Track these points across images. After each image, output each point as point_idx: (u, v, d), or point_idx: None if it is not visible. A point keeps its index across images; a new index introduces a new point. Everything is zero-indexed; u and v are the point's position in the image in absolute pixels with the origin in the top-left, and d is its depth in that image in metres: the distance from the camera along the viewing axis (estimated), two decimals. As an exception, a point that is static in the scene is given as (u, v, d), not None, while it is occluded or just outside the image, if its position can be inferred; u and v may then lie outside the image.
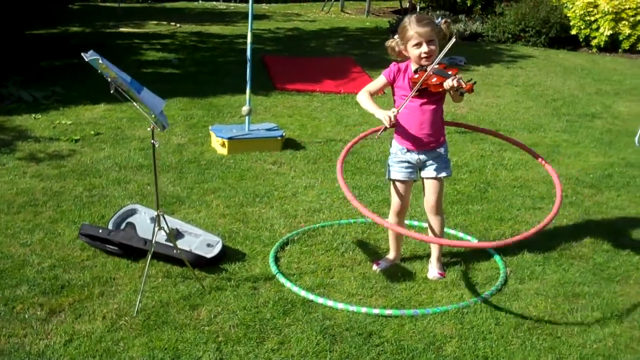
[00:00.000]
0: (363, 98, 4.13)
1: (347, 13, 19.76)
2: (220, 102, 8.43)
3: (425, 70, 3.89)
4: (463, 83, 3.77)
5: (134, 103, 3.61)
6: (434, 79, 3.85)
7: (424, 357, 3.49)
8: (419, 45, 3.94)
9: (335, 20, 17.90)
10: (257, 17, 17.12)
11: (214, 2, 21.10)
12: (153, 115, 3.58)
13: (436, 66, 3.88)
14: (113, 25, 14.84)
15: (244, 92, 6.72)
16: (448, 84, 3.78)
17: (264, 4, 21.09)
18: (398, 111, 3.92)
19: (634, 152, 7.19)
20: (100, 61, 3.31)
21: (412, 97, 3.97)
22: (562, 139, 7.55)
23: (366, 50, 12.76)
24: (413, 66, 4.02)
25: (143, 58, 11.22)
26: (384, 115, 3.87)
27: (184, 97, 8.51)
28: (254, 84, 8.38)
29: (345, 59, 11.90)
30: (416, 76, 3.93)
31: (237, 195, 5.48)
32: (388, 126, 3.88)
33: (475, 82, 3.83)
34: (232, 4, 20.62)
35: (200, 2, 21.12)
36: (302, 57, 12.00)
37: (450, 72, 3.83)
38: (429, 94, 3.98)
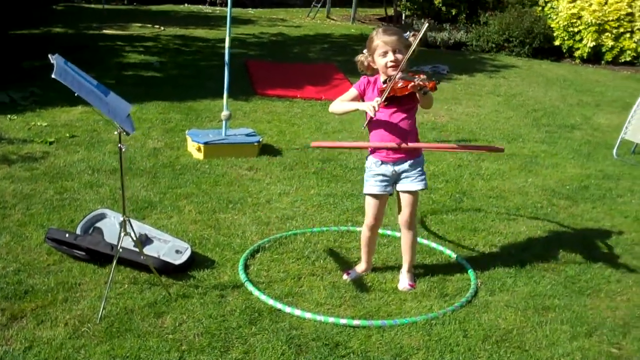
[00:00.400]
0: (337, 104, 4.14)
1: (333, 19, 19.75)
2: (200, 107, 8.37)
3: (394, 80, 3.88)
4: (426, 82, 3.76)
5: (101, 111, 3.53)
6: (400, 84, 3.84)
7: (390, 369, 3.46)
8: (385, 54, 3.93)
9: (320, 27, 17.88)
10: (242, 21, 17.13)
11: (200, 6, 21.04)
12: (117, 122, 3.49)
13: (404, 74, 3.87)
14: (96, 26, 14.75)
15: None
16: (412, 84, 3.76)
17: (250, 9, 21.05)
18: (382, 100, 3.87)
19: (611, 164, 7.20)
20: (65, 65, 3.25)
21: (383, 107, 3.95)
22: (541, 150, 7.55)
23: (350, 57, 12.59)
24: (382, 78, 4.01)
25: (125, 60, 11.15)
26: (368, 106, 3.85)
27: (164, 101, 8.45)
28: (235, 89, 8.37)
29: (327, 65, 11.88)
30: (384, 86, 3.92)
31: (210, 201, 5.43)
32: (373, 116, 3.86)
33: (438, 82, 3.83)
34: (217, 8, 20.57)
35: (186, 5, 21.05)
36: (284, 63, 11.97)
37: (415, 76, 3.82)
38: (399, 102, 3.95)
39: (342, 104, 4.11)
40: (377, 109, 3.84)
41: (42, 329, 3.59)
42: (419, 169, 4.14)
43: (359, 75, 4.16)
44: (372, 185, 4.18)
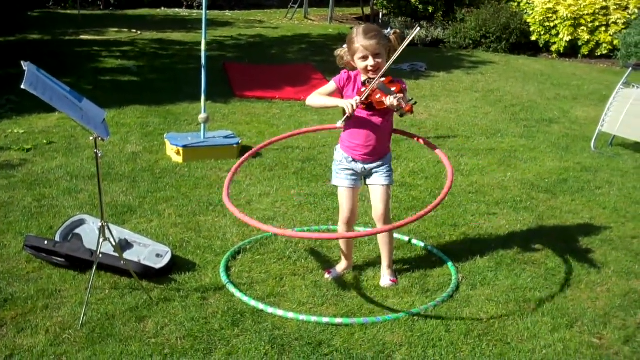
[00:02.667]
0: (315, 98, 4.09)
1: (311, 20, 19.76)
2: (178, 110, 8.35)
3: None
4: (403, 103, 3.74)
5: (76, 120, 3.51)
6: (378, 95, 3.83)
7: (373, 366, 3.46)
8: (364, 58, 3.92)
9: (298, 27, 17.88)
10: (219, 24, 17.10)
11: (177, 9, 20.98)
12: (92, 128, 3.48)
13: (382, 80, 3.86)
14: (73, 32, 14.66)
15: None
16: (389, 101, 3.76)
17: (227, 11, 21.02)
18: (361, 99, 3.87)
19: (589, 156, 7.25)
20: (37, 72, 3.23)
21: (361, 108, 3.94)
22: (520, 144, 7.59)
23: (327, 57, 12.68)
24: (362, 77, 4.01)
25: (101, 65, 11.09)
26: (347, 104, 3.84)
27: (142, 105, 8.42)
28: (214, 91, 8.36)
29: (305, 65, 11.89)
30: (363, 89, 3.92)
31: (190, 204, 5.41)
32: (350, 115, 3.85)
33: (415, 103, 3.81)
34: (194, 11, 20.52)
35: (162, 9, 20.97)
36: (263, 64, 11.96)
37: (393, 89, 3.80)
38: (376, 108, 3.96)
39: (320, 97, 4.08)
40: (355, 107, 3.84)
41: (23, 336, 3.56)
42: (387, 165, 4.17)
43: (337, 75, 4.14)
44: (342, 178, 4.21)
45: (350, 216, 4.28)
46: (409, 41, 3.90)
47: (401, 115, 3.84)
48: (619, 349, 3.70)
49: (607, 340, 3.77)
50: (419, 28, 3.97)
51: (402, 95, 3.77)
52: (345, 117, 3.91)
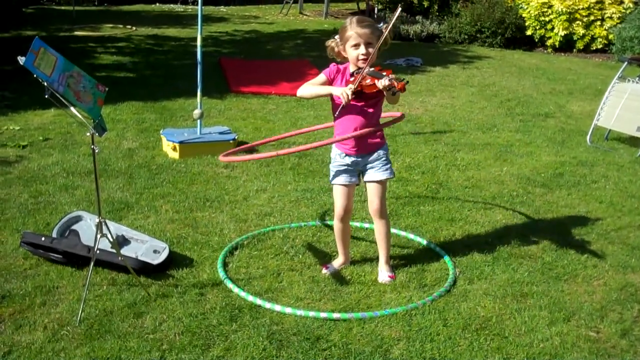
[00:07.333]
0: (307, 88, 4.04)
1: (306, 15, 19.74)
2: (174, 106, 8.34)
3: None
4: (395, 82, 3.74)
5: (71, 109, 3.52)
6: (368, 80, 3.83)
7: (371, 361, 3.46)
8: (357, 46, 3.91)
9: (293, 23, 17.87)
10: (214, 19, 17.08)
11: (172, 5, 20.93)
12: (92, 120, 3.48)
13: (371, 69, 3.86)
14: (67, 28, 14.63)
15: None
16: (381, 83, 3.75)
17: (222, 7, 20.98)
18: (355, 87, 3.84)
19: (585, 150, 7.26)
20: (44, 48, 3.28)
21: (350, 100, 3.93)
22: (515, 139, 7.60)
23: (323, 52, 12.62)
24: (351, 68, 4.00)
25: (97, 62, 11.07)
26: (342, 92, 3.79)
27: (137, 101, 8.41)
28: (209, 87, 8.36)
29: (301, 61, 11.88)
30: (351, 79, 3.91)
31: (187, 200, 5.41)
32: (344, 103, 3.81)
33: (407, 82, 3.80)
34: (189, 7, 20.48)
35: (157, 4, 20.92)
36: (258, 60, 11.95)
37: (384, 73, 3.81)
38: (366, 97, 3.95)
39: (312, 87, 4.03)
40: (350, 96, 3.80)
41: (21, 333, 3.56)
42: (383, 158, 4.15)
43: (326, 68, 4.13)
44: (337, 176, 4.20)
45: (344, 214, 4.26)
46: (394, 20, 3.87)
47: (393, 94, 3.82)
48: (616, 342, 3.71)
49: (604, 334, 3.78)
50: (399, 9, 3.96)
51: (393, 75, 3.77)
52: (340, 107, 3.90)
